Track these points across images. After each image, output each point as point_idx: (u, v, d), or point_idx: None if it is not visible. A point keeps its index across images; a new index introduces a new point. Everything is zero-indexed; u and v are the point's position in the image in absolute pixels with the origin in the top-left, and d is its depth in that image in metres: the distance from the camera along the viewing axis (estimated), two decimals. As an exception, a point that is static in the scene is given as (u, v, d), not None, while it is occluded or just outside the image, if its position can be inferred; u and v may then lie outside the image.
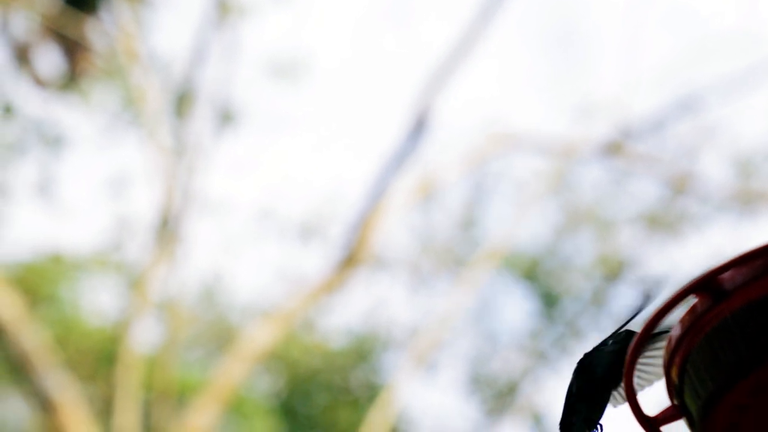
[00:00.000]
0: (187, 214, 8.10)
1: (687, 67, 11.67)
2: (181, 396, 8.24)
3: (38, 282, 9.37)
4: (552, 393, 9.54)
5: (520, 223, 9.49)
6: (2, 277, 7.81)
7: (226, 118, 8.36)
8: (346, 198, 9.09)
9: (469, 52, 8.55)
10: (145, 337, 8.24)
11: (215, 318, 10.18)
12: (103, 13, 8.39)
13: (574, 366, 1.37)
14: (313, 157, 12.17)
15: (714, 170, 9.11)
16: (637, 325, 1.30)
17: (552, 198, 9.61)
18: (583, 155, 9.17)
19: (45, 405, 7.29)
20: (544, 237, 9.80)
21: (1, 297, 7.40)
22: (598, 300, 9.75)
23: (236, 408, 9.31)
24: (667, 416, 1.24)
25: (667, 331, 1.21)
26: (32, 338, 7.39)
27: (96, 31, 8.43)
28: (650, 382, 1.29)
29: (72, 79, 8.39)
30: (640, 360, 1.26)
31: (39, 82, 8.35)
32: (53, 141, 8.33)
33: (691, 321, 1.16)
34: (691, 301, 1.16)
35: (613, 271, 9.60)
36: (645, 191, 9.42)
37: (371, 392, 9.37)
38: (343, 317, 10.00)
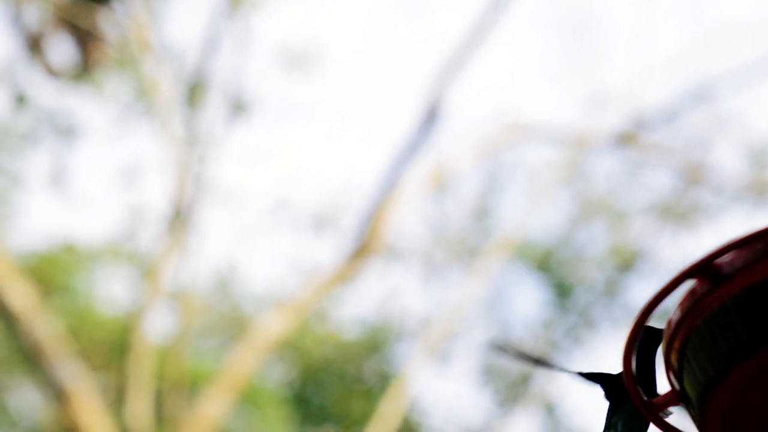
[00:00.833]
0: (199, 204, 8.11)
1: (700, 57, 11.63)
2: (193, 386, 8.24)
3: (51, 272, 9.39)
4: (564, 383, 9.52)
5: (533, 213, 9.48)
6: (16, 267, 7.82)
7: (238, 108, 8.35)
8: (359, 188, 9.08)
9: (481, 42, 8.53)
10: (157, 327, 8.25)
11: (228, 308, 10.18)
12: (116, 3, 8.39)
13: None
14: (326, 147, 12.18)
15: (727, 160, 9.08)
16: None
17: (565, 188, 9.59)
18: (596, 145, 9.15)
19: (58, 394, 7.31)
20: (557, 227, 9.79)
21: (15, 287, 7.42)
22: (610, 290, 9.73)
23: (249, 398, 9.32)
24: (666, 401, 1.24)
25: None
26: (45, 328, 7.40)
27: (108, 21, 8.43)
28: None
29: (84, 69, 8.39)
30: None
31: (52, 72, 8.36)
32: (66, 131, 8.34)
33: (690, 304, 1.15)
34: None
35: (626, 262, 9.58)
36: (658, 181, 9.40)
37: (384, 382, 9.37)
38: (356, 307, 10.01)
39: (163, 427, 7.91)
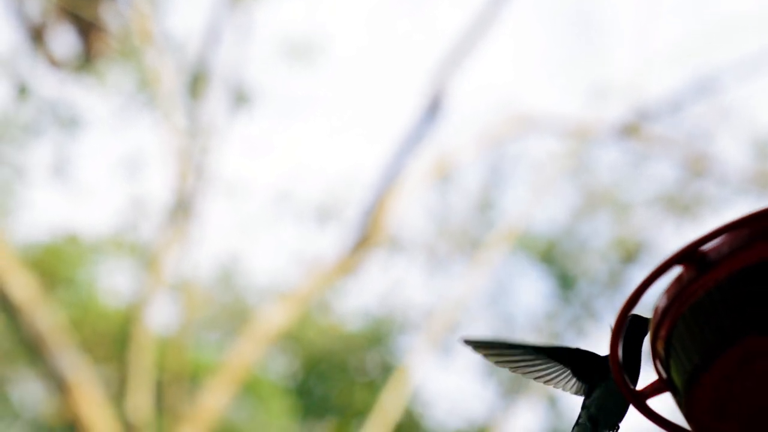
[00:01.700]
0: (201, 195, 8.10)
1: (703, 48, 11.61)
2: (195, 377, 8.25)
3: (54, 263, 9.39)
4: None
5: (536, 204, 9.46)
6: (18, 258, 7.82)
7: (240, 99, 8.34)
8: (362, 180, 9.06)
9: (483, 34, 8.52)
10: (159, 318, 8.25)
11: (230, 299, 10.18)
12: (118, -6, 8.38)
13: None
14: (329, 139, 12.16)
15: (731, 152, 9.06)
16: None
17: (568, 180, 9.58)
18: (600, 137, 9.13)
19: (60, 386, 7.31)
20: (560, 219, 9.78)
21: (17, 278, 7.41)
22: (614, 282, 9.72)
23: (251, 389, 9.32)
24: (653, 390, 1.22)
25: None
26: (47, 319, 7.40)
27: (111, 11, 8.42)
28: None
29: (87, 60, 8.38)
30: None
31: (54, 63, 8.35)
32: (68, 122, 8.33)
33: (677, 291, 1.14)
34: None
35: (630, 254, 9.57)
36: (661, 173, 9.38)
37: (386, 374, 9.36)
38: (359, 299, 10.01)
39: (165, 418, 7.91)
